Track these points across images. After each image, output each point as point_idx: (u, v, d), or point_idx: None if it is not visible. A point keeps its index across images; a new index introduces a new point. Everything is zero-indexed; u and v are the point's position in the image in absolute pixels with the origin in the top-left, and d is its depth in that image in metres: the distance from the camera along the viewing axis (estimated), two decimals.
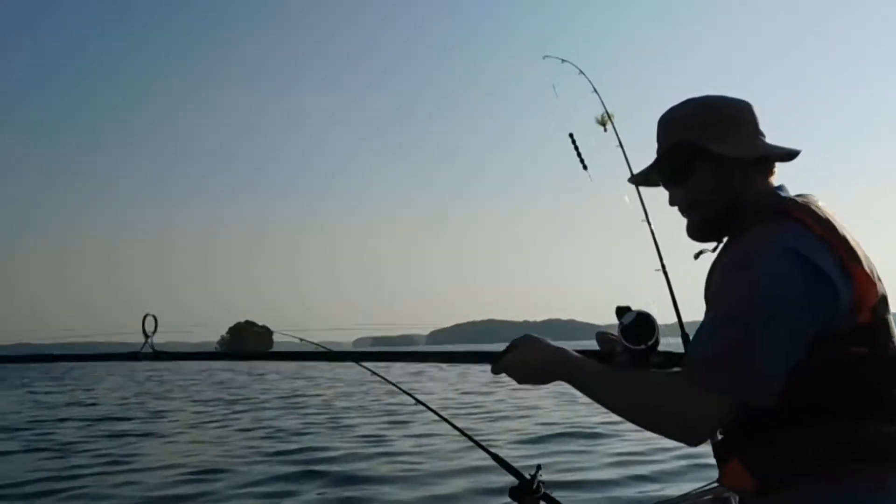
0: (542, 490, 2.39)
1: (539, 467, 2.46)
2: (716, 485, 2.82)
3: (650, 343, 1.67)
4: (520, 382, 1.73)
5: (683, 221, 1.79)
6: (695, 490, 2.96)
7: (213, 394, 22.05)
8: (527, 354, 1.70)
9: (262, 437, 11.51)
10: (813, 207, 1.62)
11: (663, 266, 2.62)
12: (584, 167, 2.74)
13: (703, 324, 1.60)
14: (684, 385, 1.53)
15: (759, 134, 1.76)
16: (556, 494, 2.47)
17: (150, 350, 2.00)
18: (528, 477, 2.42)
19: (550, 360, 1.68)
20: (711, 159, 1.71)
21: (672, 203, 1.82)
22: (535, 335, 1.74)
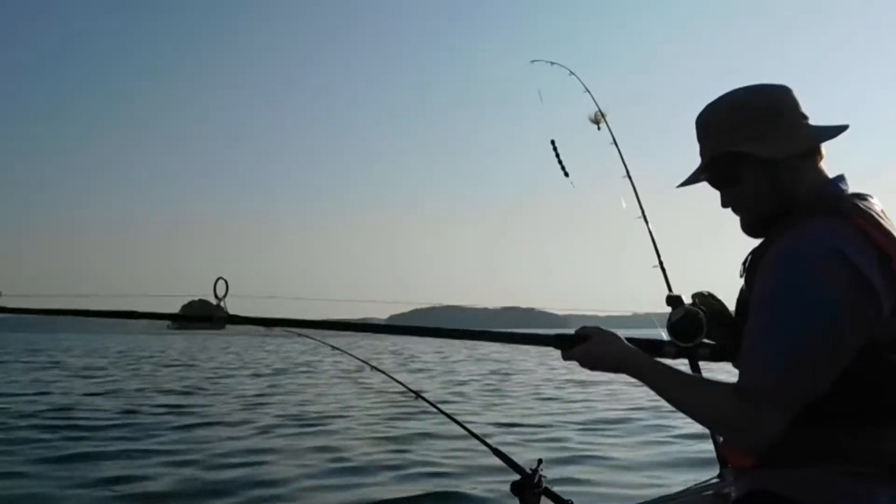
0: (544, 485, 2.42)
1: (540, 462, 2.47)
2: (716, 480, 2.85)
3: (696, 342, 1.80)
4: (589, 370, 1.77)
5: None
6: (695, 485, 2.99)
7: None
8: (597, 348, 1.73)
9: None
10: (869, 209, 1.57)
11: (661, 263, 2.64)
12: (566, 174, 2.72)
13: (752, 331, 1.58)
14: (744, 401, 1.52)
15: (802, 119, 1.68)
16: (558, 489, 2.50)
17: (225, 314, 2.05)
18: (529, 471, 2.44)
19: (619, 358, 1.71)
20: (756, 162, 1.65)
21: (724, 205, 1.77)
22: (603, 328, 1.78)
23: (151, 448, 8.92)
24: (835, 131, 1.66)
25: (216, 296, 2.03)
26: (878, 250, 1.49)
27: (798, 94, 1.69)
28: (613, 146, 2.76)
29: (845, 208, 1.55)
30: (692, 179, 1.81)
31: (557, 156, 2.68)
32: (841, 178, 1.68)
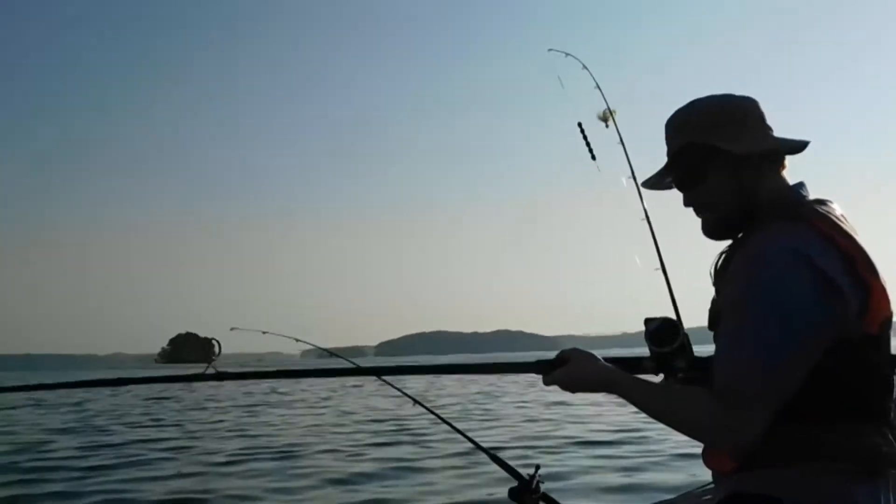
0: (542, 490, 2.40)
1: (538, 468, 2.46)
2: (713, 485, 2.83)
3: (674, 346, 1.80)
4: (571, 392, 1.82)
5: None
6: (692, 490, 2.96)
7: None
8: (577, 370, 1.78)
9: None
10: (829, 213, 1.64)
11: (663, 266, 2.58)
12: (593, 157, 2.70)
13: (725, 336, 1.64)
14: (722, 406, 1.56)
15: (767, 128, 1.77)
16: (556, 495, 2.47)
17: (213, 371, 2.04)
18: (527, 477, 2.42)
19: (596, 380, 1.76)
20: (722, 159, 1.73)
21: (686, 205, 1.84)
22: (581, 349, 1.82)
23: (86, 490, 8.37)
24: (797, 144, 1.76)
25: (211, 356, 2.08)
26: (840, 252, 1.56)
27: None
28: (620, 145, 2.72)
29: (807, 213, 1.63)
30: (657, 181, 1.91)
31: (585, 138, 2.66)
32: (801, 184, 1.76)
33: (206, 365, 2.06)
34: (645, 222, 2.75)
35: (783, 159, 1.77)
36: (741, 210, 1.74)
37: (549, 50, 2.87)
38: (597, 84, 2.75)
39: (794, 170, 1.82)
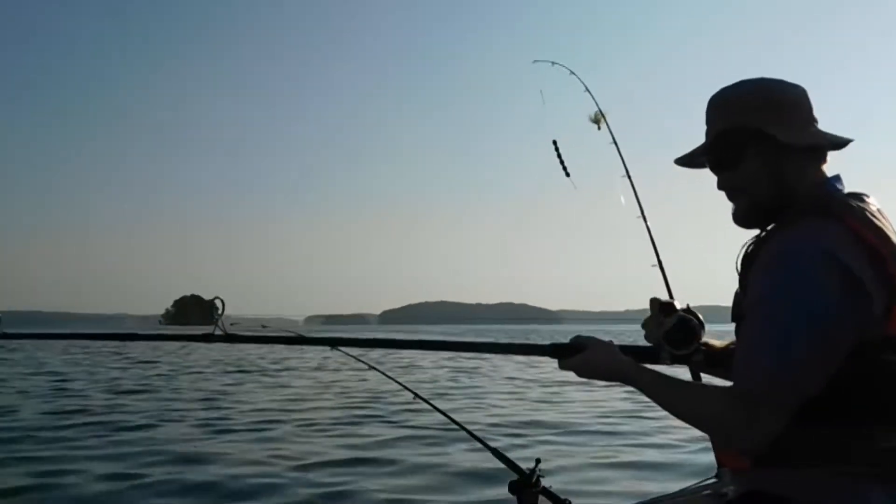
0: (542, 484, 2.40)
1: (538, 461, 2.46)
2: (714, 480, 2.85)
3: (690, 350, 1.83)
4: (586, 379, 1.81)
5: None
6: (693, 485, 2.98)
7: None
8: (593, 358, 1.77)
9: None
10: (864, 210, 1.57)
11: (660, 262, 2.63)
12: (567, 174, 2.70)
13: (747, 335, 1.60)
14: (737, 404, 1.53)
15: (814, 120, 1.70)
16: (556, 488, 2.48)
17: (222, 332, 2.07)
18: (527, 471, 2.42)
19: (614, 368, 1.75)
20: (765, 144, 1.66)
21: (720, 187, 1.76)
22: (597, 337, 1.82)
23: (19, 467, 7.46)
24: (841, 141, 1.70)
25: (213, 316, 2.05)
26: (870, 250, 1.50)
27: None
28: (613, 146, 2.76)
29: (837, 209, 1.56)
30: (692, 160, 1.82)
31: (559, 156, 2.66)
32: (837, 178, 1.69)
33: (213, 326, 2.08)
34: (641, 220, 2.80)
35: (825, 154, 1.71)
36: (776, 199, 1.67)
37: (535, 61, 2.89)
38: (586, 88, 2.79)
39: None
